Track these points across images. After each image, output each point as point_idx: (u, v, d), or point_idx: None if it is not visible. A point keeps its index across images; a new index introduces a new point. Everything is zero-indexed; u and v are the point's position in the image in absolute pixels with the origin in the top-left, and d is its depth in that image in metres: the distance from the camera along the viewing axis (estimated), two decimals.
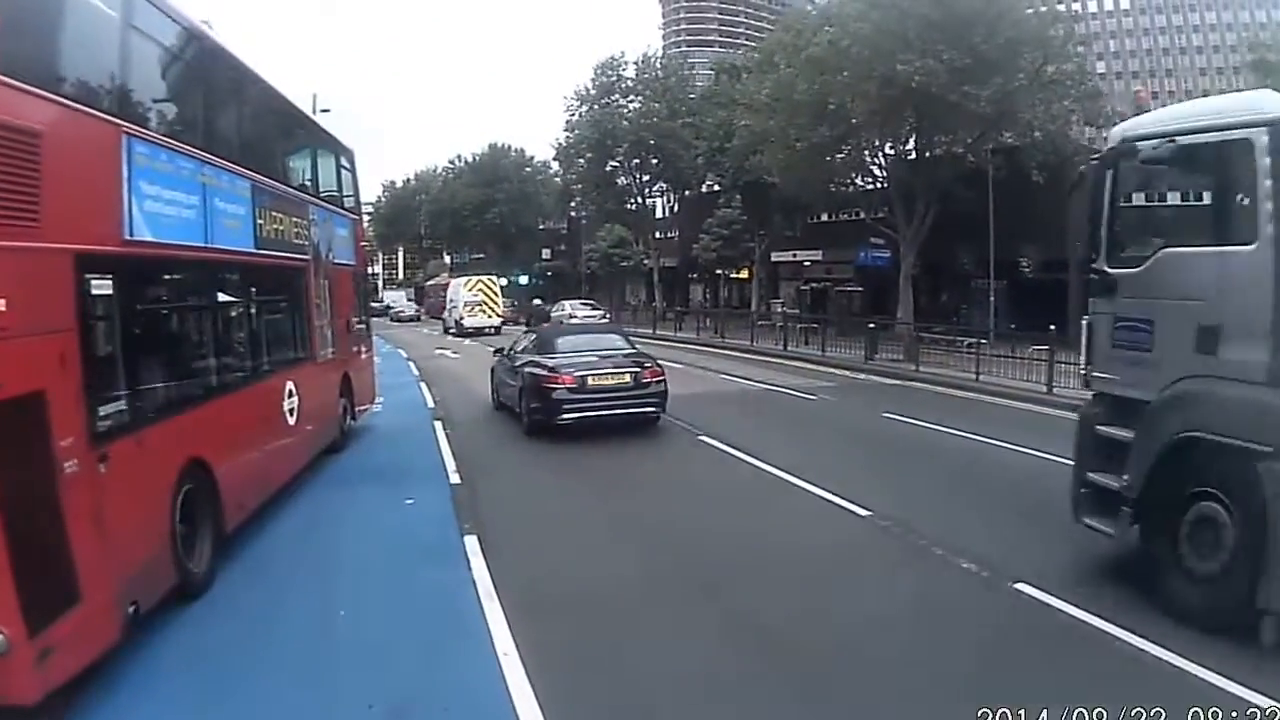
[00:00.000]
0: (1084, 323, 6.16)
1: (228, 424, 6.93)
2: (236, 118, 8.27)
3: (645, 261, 45.11)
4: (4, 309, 4.03)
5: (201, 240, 6.63)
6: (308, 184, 10.66)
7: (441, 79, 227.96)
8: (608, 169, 44.19)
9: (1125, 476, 5.47)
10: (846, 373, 20.26)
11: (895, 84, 20.63)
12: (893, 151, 25.95)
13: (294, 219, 9.43)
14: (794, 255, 37.93)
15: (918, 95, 20.71)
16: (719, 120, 35.92)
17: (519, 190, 60.49)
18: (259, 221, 8.09)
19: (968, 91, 20.28)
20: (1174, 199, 5.64)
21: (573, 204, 51.81)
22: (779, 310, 35.05)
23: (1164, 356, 5.37)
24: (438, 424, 13.08)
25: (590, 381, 11.39)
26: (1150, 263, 5.51)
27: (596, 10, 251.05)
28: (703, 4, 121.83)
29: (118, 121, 5.38)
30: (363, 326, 13.48)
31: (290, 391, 8.92)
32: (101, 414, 4.89)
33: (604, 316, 37.09)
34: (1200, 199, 5.40)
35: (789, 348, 25.22)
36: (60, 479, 4.39)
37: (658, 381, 11.81)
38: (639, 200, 45.48)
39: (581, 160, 44.33)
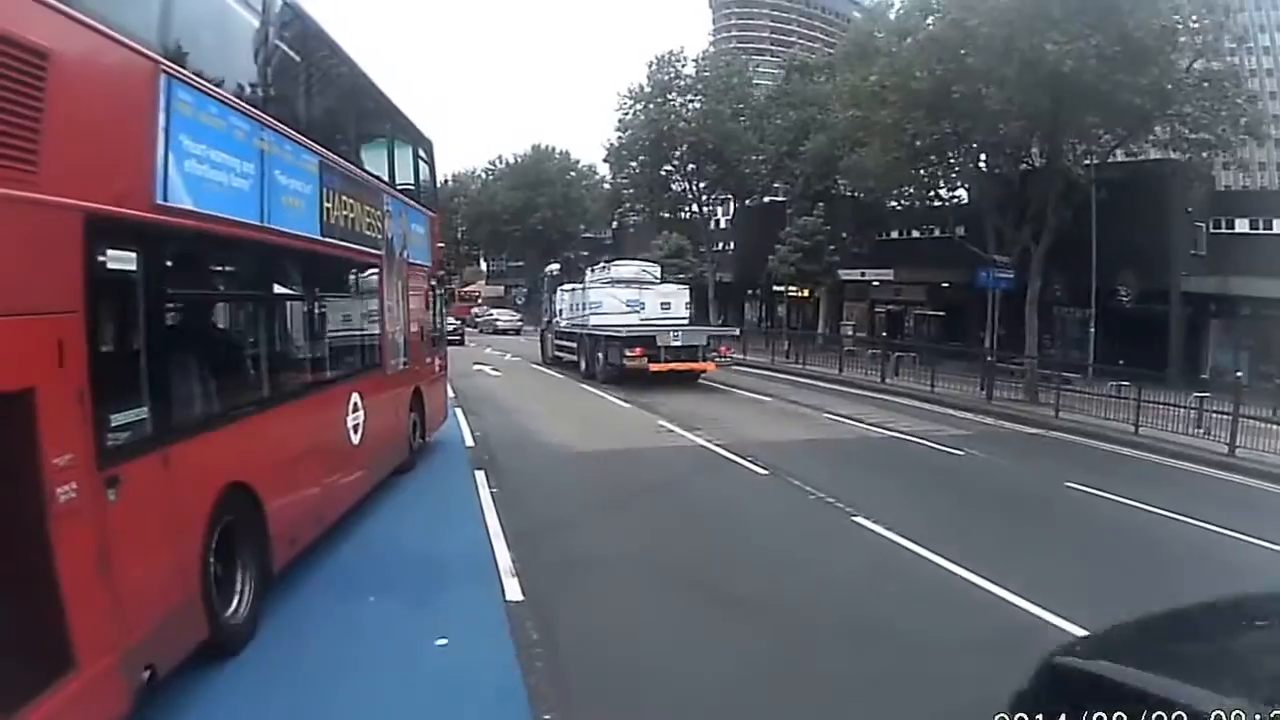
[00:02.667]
0: (543, 305, 30.41)
1: (279, 441, 5.80)
2: (307, 83, 7.22)
3: (706, 274, 41.89)
4: None
5: (256, 218, 5.51)
6: (382, 171, 9.60)
7: (482, 77, 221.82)
8: (663, 172, 42.32)
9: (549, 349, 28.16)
10: (969, 415, 17.57)
11: (1039, 69, 18.02)
12: (1004, 155, 23.63)
13: (367, 207, 8.35)
14: (862, 274, 35.02)
15: (1062, 83, 18.11)
16: (789, 122, 34.02)
17: (562, 195, 58.33)
18: (326, 205, 6.99)
19: (1121, 80, 17.70)
20: (553, 288, 28.21)
21: (621, 209, 49.44)
22: (848, 333, 32.87)
23: (541, 320, 30.29)
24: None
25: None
26: (546, 299, 28.93)
27: (644, 13, 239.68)
28: (754, 9, 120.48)
29: (156, 57, 4.28)
30: (438, 335, 12.41)
31: (355, 405, 7.79)
32: (114, 424, 3.76)
33: (520, 319, 48.43)
34: (554, 290, 27.68)
35: (886, 379, 22.33)
36: (52, 509, 3.30)
37: (461, 333, 34.34)
38: (695, 208, 43.41)
39: (634, 163, 42.40)
